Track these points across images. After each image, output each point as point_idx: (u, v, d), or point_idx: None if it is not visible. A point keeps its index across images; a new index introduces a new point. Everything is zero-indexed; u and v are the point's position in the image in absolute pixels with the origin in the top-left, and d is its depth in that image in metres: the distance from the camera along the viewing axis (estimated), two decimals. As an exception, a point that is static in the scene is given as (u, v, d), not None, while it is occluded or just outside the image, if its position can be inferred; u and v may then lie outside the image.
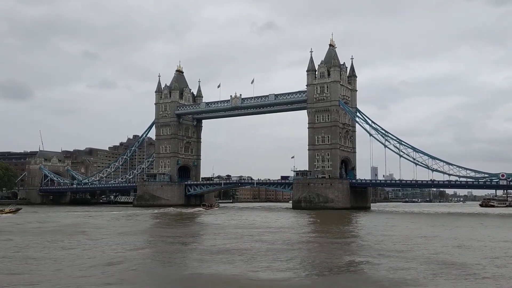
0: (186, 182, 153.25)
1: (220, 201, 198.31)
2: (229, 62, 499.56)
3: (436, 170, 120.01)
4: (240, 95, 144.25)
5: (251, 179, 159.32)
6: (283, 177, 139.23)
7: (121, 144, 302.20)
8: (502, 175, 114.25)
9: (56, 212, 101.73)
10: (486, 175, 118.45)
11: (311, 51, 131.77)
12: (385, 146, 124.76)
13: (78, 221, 67.11)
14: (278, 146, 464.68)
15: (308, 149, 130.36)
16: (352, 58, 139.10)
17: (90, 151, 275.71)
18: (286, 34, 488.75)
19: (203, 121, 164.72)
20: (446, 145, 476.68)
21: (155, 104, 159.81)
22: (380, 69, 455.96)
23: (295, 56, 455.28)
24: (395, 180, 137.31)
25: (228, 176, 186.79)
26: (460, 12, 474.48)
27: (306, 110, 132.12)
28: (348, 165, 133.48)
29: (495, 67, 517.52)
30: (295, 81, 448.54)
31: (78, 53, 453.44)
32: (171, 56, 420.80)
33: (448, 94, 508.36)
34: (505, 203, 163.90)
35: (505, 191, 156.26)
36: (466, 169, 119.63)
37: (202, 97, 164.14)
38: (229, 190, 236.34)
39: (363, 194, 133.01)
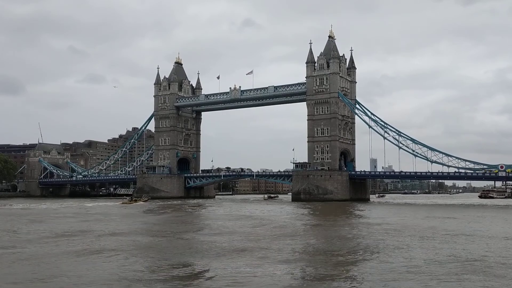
0: (185, 174, 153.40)
1: (219, 193, 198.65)
2: (216, 57, 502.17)
3: (436, 162, 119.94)
4: (240, 87, 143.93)
5: (251, 171, 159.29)
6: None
7: (120, 136, 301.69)
8: (501, 166, 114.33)
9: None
10: (485, 167, 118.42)
11: (310, 43, 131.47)
12: (385, 138, 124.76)
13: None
14: (277, 138, 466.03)
15: (308, 141, 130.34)
16: (351, 50, 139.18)
17: (90, 144, 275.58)
18: (267, 31, 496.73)
19: (202, 113, 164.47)
20: (436, 138, 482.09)
21: (154, 96, 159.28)
22: (364, 65, 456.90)
23: (277, 52, 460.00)
24: (394, 172, 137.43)
25: (228, 168, 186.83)
26: (432, 11, 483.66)
27: (305, 102, 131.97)
28: (347, 157, 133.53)
29: (474, 62, 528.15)
30: (282, 76, 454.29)
31: (66, 49, 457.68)
32: (158, 52, 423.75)
33: (433, 88, 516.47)
34: (504, 194, 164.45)
35: (504, 182, 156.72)
36: (465, 160, 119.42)
37: (201, 89, 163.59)
38: (229, 182, 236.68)
39: (363, 186, 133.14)
